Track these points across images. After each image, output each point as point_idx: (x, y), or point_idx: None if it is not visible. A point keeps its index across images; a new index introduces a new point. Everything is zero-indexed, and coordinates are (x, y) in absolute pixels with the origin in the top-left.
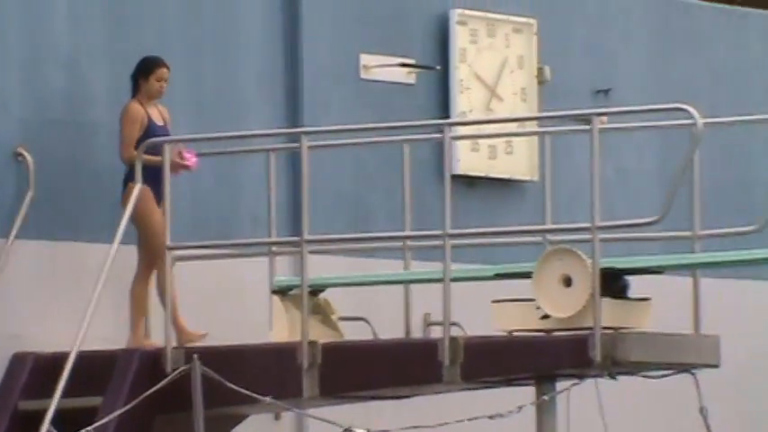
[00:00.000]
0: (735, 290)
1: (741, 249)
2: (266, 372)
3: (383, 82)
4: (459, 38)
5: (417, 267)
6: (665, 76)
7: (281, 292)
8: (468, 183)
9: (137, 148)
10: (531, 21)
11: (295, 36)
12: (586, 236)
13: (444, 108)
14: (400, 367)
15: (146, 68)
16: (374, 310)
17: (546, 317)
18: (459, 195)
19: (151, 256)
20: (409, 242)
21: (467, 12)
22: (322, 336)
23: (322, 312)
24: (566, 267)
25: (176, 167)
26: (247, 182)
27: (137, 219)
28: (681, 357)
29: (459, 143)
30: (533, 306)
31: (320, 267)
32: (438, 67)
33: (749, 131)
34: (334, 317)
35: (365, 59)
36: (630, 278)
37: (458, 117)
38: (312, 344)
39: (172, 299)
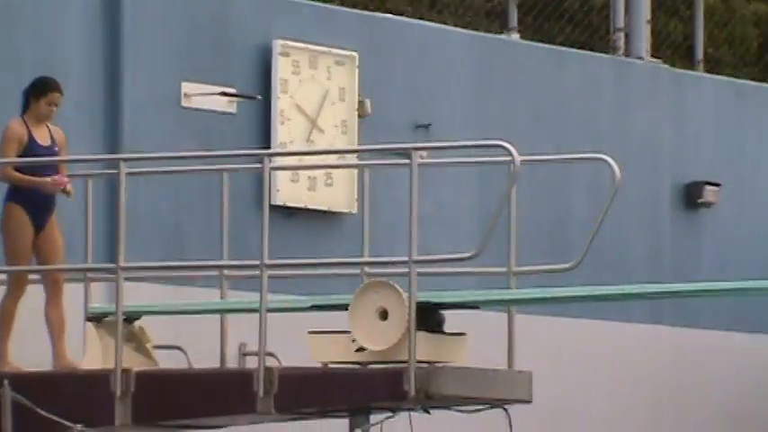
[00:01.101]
0: (549, 327)
1: (556, 287)
2: (79, 398)
3: (204, 111)
4: (282, 68)
5: (235, 297)
6: (484, 113)
7: (96, 319)
8: (288, 213)
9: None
10: (354, 53)
11: (115, 63)
12: (403, 269)
13: (265, 138)
14: (215, 396)
15: (39, 90)
16: (190, 339)
17: (362, 349)
18: (279, 226)
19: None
20: (226, 271)
21: (290, 43)
22: (136, 363)
23: (136, 340)
24: (382, 300)
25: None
26: (64, 207)
27: (3, 236)
28: (495, 392)
29: (280, 174)
30: (349, 338)
31: (136, 295)
32: (259, 96)
33: (567, 170)
34: (149, 345)
35: (186, 87)
36: (446, 313)
37: (278, 147)
38: (126, 371)
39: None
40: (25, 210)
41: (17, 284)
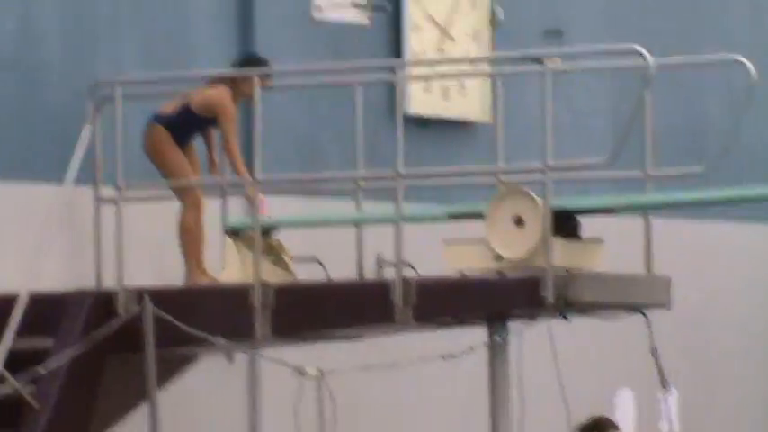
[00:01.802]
0: (686, 231)
1: (693, 190)
2: (218, 313)
3: (335, 23)
4: None
5: (370, 208)
6: (617, 17)
7: (234, 232)
8: (421, 123)
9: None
10: None
11: None
12: (538, 176)
13: (397, 49)
14: (353, 308)
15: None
16: (327, 251)
17: (498, 257)
18: (413, 136)
19: (177, 193)
20: (361, 183)
21: None
22: (274, 276)
23: (274, 253)
24: (518, 208)
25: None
26: None
27: (155, 158)
28: (633, 298)
29: (412, 84)
30: (485, 246)
31: (272, 208)
32: (389, 7)
33: (702, 72)
34: (286, 258)
35: (317, 0)
36: (582, 219)
37: (410, 58)
38: (265, 284)
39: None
40: (167, 130)
41: (193, 198)
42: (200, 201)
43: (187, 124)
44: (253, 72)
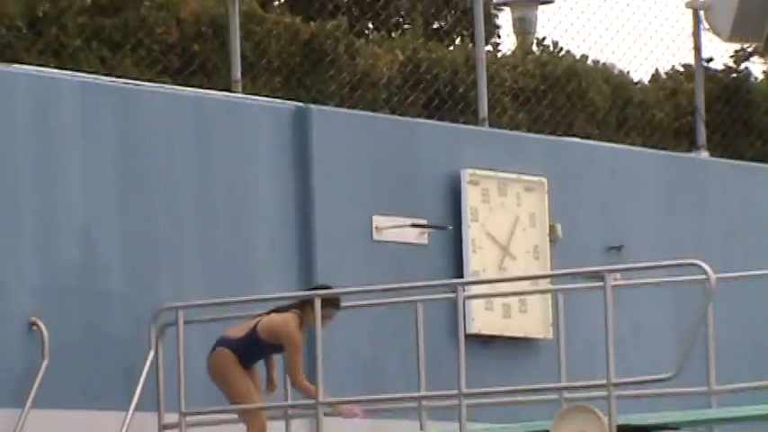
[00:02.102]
0: None
1: (760, 404)
2: None
3: (396, 243)
4: (471, 197)
5: (434, 428)
6: (676, 232)
7: None
8: (483, 342)
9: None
10: (543, 179)
11: (306, 198)
12: (602, 392)
13: (458, 267)
14: None
15: (325, 302)
16: None
17: None
18: (475, 354)
19: (241, 417)
20: (425, 402)
21: (478, 171)
22: None
23: None
24: (583, 425)
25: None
26: None
27: (221, 381)
28: None
29: (474, 302)
30: None
31: (336, 429)
32: (450, 227)
33: (763, 285)
34: None
35: (377, 221)
36: None
37: (471, 276)
38: None
39: None
40: (233, 354)
41: (257, 422)
42: (265, 424)
43: (253, 349)
44: (318, 295)
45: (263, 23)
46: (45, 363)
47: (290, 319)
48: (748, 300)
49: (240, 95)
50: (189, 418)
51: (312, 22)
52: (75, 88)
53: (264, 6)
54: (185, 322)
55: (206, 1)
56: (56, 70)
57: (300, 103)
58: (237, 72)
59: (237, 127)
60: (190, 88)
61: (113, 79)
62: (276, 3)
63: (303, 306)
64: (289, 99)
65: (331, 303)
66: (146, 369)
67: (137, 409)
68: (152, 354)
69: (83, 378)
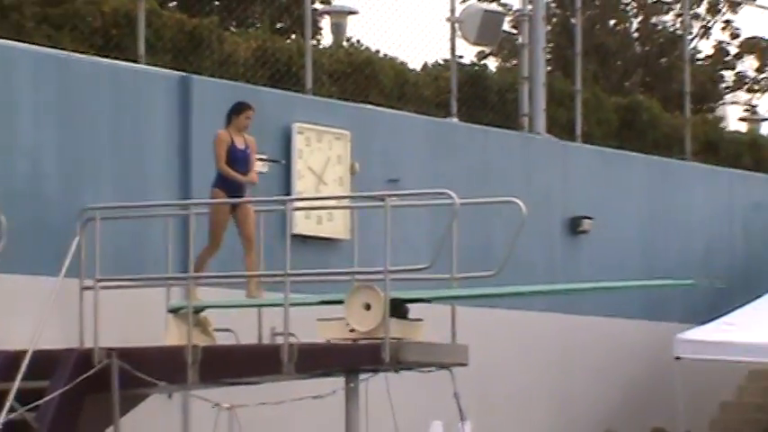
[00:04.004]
0: (479, 314)
1: (482, 287)
2: (163, 365)
3: None
4: (298, 142)
5: (268, 296)
6: (436, 172)
7: (174, 311)
8: (302, 240)
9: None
10: (347, 132)
11: (186, 137)
12: (381, 277)
13: (287, 189)
14: (254, 363)
15: (237, 109)
16: (238, 325)
17: (353, 330)
18: (297, 248)
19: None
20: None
21: (303, 125)
22: (202, 341)
23: (202, 325)
24: (367, 297)
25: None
26: (155, 239)
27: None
28: (442, 359)
29: (297, 213)
30: (345, 323)
31: (202, 294)
32: (283, 161)
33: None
34: (210, 328)
35: None
36: (410, 306)
37: (296, 195)
38: (194, 346)
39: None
40: (225, 193)
41: (214, 243)
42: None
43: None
44: None
45: (161, 17)
46: (2, 242)
47: (220, 132)
48: (479, 218)
49: (143, 66)
50: (101, 283)
51: (194, 18)
52: (29, 57)
53: (162, 5)
54: (101, 218)
55: None
56: (16, 43)
57: (185, 73)
58: (142, 50)
59: (141, 88)
60: (108, 59)
61: (57, 51)
62: (171, 4)
63: (230, 119)
64: (176, 70)
65: (248, 107)
66: (72, 248)
67: (65, 275)
68: (77, 238)
69: (29, 253)
